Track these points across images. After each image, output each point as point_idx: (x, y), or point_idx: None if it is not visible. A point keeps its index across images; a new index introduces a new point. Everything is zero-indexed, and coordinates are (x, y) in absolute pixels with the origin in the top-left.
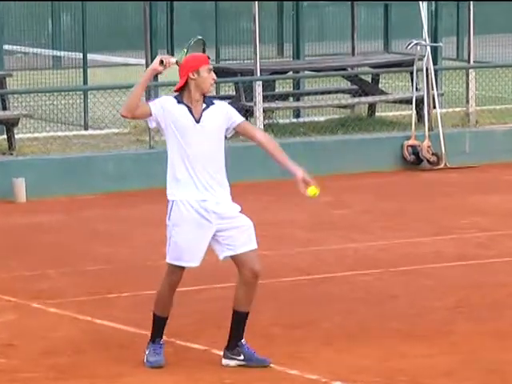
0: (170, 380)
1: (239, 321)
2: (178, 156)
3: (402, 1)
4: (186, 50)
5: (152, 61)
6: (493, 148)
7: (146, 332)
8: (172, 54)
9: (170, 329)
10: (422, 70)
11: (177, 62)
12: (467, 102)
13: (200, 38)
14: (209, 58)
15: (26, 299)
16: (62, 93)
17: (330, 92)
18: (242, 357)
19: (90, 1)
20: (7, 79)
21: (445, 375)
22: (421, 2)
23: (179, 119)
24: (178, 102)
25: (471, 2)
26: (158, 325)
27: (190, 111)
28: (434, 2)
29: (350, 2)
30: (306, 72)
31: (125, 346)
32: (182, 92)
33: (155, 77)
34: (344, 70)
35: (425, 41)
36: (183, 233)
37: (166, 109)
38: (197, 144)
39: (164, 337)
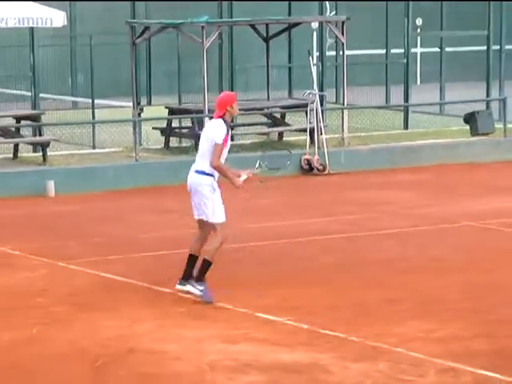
0: (149, 312)
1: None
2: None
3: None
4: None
5: (136, 103)
6: (359, 161)
7: (134, 281)
8: (150, 100)
9: (153, 279)
10: (313, 109)
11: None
12: (342, 130)
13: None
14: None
15: (55, 260)
16: (78, 124)
17: (253, 124)
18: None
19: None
20: (42, 116)
21: (329, 309)
22: (312, 65)
23: (228, 136)
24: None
25: (345, 66)
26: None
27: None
28: (320, 64)
29: (265, 65)
30: (239, 111)
31: (120, 290)
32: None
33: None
34: (262, 109)
35: (315, 91)
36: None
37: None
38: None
39: (148, 284)
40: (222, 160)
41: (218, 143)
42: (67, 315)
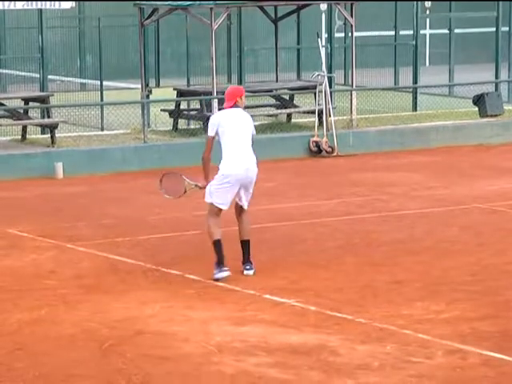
0: (156, 294)
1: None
2: None
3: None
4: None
5: (144, 85)
6: (367, 143)
7: (141, 263)
8: (158, 82)
9: (161, 261)
10: (321, 91)
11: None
12: (351, 112)
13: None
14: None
15: (63, 242)
16: (87, 106)
17: (261, 106)
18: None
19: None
20: (50, 98)
21: (336, 291)
22: (320, 47)
23: None
24: None
25: (353, 47)
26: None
27: None
28: (329, 46)
29: (274, 47)
30: (246, 93)
31: (128, 272)
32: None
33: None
34: (271, 91)
35: (323, 72)
36: None
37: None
38: None
39: (156, 266)
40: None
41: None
42: (75, 297)
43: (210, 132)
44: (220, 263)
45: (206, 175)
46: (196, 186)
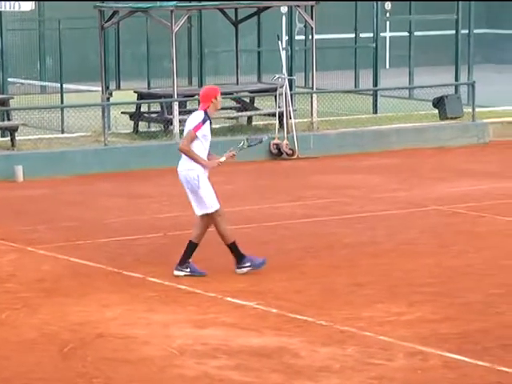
0: (117, 297)
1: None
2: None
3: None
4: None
5: (105, 88)
6: (328, 145)
7: (102, 266)
8: (119, 85)
9: (122, 264)
10: (282, 94)
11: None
12: (311, 114)
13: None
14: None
15: (23, 245)
16: (47, 109)
17: (222, 108)
18: (188, 269)
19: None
20: (10, 101)
21: (297, 293)
22: (281, 49)
23: (208, 128)
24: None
25: (314, 50)
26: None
27: (210, 122)
28: (289, 48)
29: (234, 50)
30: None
31: (89, 276)
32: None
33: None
34: (231, 94)
35: (284, 75)
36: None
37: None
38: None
39: (117, 269)
40: (203, 155)
41: (189, 129)
42: (35, 300)
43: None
44: (243, 257)
45: (201, 159)
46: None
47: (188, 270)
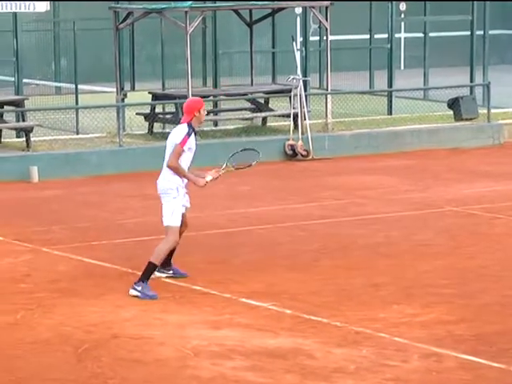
0: (132, 297)
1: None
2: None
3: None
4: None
5: (119, 89)
6: (343, 146)
7: (117, 267)
8: (133, 85)
9: (136, 265)
10: (297, 95)
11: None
12: (326, 115)
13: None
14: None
15: (38, 245)
16: (62, 110)
17: (237, 109)
18: (171, 271)
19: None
20: (25, 101)
21: (312, 294)
22: (295, 50)
23: (193, 141)
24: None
25: (328, 51)
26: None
27: (195, 133)
28: (304, 49)
29: (249, 51)
30: (222, 96)
31: (104, 276)
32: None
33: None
34: (246, 95)
35: (298, 76)
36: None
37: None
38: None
39: (131, 270)
40: (185, 167)
41: (176, 143)
42: (51, 301)
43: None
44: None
45: (190, 174)
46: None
47: (171, 271)
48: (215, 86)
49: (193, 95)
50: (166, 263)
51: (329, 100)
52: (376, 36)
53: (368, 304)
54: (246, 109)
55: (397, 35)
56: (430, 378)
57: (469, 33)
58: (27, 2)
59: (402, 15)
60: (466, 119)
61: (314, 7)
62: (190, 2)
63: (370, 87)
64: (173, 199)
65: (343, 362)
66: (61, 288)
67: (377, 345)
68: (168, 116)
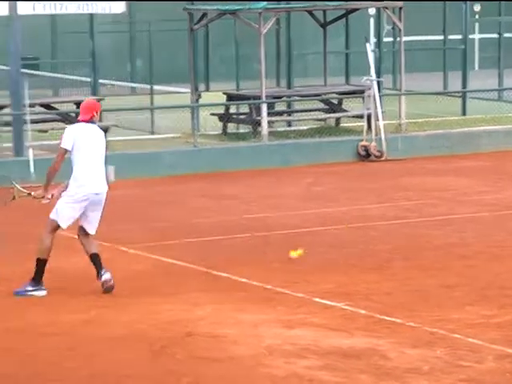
0: (206, 296)
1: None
2: None
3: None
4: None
5: (194, 89)
6: (416, 147)
7: (192, 265)
8: (208, 86)
9: (211, 264)
10: (370, 95)
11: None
12: (400, 116)
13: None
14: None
15: (114, 244)
16: (137, 110)
17: (310, 110)
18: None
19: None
20: (101, 102)
21: (386, 294)
22: (369, 51)
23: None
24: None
25: (402, 52)
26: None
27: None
28: (377, 50)
29: (322, 52)
30: (295, 97)
31: (179, 275)
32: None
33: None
34: (319, 95)
35: (372, 77)
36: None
37: None
38: None
39: (206, 269)
40: (87, 166)
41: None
42: (125, 299)
43: (67, 144)
44: (38, 281)
45: (48, 186)
46: (29, 194)
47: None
48: (289, 86)
49: (266, 96)
50: (40, 280)
51: (402, 101)
52: (450, 37)
53: (442, 305)
54: (319, 109)
55: (471, 36)
56: (504, 380)
57: None
58: (104, 3)
59: (477, 16)
60: None
61: (387, 8)
62: (264, 3)
63: (444, 88)
64: (69, 197)
65: (417, 362)
66: (136, 286)
67: (451, 346)
68: (242, 116)
